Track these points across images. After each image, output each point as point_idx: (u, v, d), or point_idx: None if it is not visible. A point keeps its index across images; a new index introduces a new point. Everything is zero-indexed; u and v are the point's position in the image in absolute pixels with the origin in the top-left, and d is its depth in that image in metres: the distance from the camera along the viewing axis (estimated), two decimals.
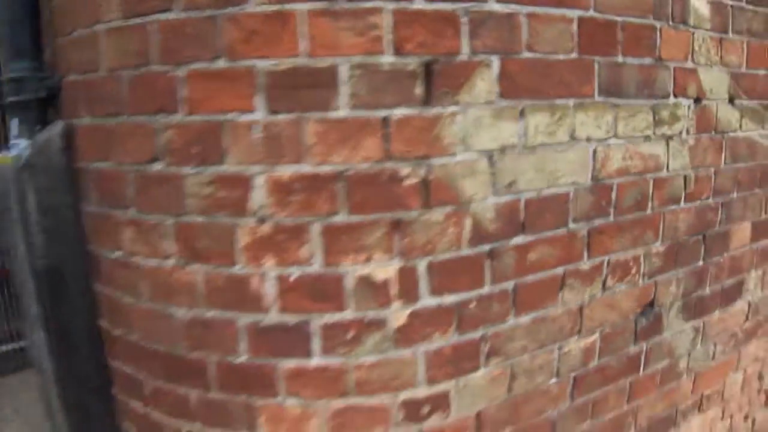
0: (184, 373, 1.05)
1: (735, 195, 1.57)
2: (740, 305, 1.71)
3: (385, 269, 0.96)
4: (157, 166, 0.97)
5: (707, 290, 1.56)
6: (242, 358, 1.00)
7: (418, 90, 0.94)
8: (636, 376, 1.43)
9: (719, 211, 1.50)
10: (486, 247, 1.06)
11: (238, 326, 0.99)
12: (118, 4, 0.94)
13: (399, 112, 0.93)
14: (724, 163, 1.50)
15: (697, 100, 1.40)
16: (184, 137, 0.93)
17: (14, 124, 1.19)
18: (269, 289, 0.95)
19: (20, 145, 1.15)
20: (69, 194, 1.15)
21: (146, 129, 0.97)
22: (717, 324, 1.63)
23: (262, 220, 0.93)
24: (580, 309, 1.25)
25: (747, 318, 1.76)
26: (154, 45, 0.93)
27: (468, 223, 1.02)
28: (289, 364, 0.99)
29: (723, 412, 1.84)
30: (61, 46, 1.12)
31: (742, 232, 1.63)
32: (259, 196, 0.92)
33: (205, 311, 0.99)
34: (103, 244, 1.11)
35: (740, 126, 1.54)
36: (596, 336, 1.30)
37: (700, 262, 1.51)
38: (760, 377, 1.96)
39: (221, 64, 0.89)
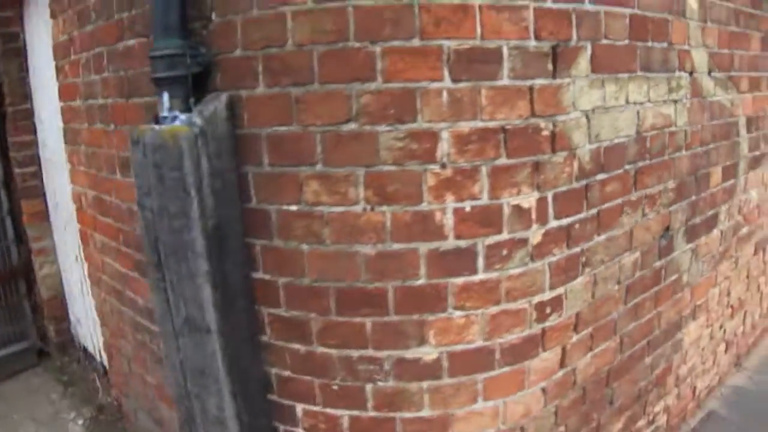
0: (362, 303, 1.42)
1: (712, 145, 2.20)
2: (716, 232, 2.38)
3: (528, 199, 1.41)
4: (351, 126, 1.32)
5: (698, 219, 2.19)
6: (421, 281, 1.39)
7: (549, 66, 1.40)
8: (660, 286, 2.02)
9: (704, 158, 2.13)
10: (584, 182, 1.54)
11: (420, 253, 1.38)
12: None
13: (539, 82, 1.38)
14: (706, 121, 2.12)
15: (691, 73, 1.99)
16: (380, 101, 1.30)
17: (165, 98, 1.45)
18: (448, 220, 1.36)
19: (181, 117, 1.42)
20: (233, 159, 1.45)
21: (340, 95, 1.32)
22: (704, 246, 2.27)
23: (444, 166, 1.33)
24: (631, 231, 1.79)
25: (720, 243, 2.43)
26: (352, 25, 1.28)
27: (576, 164, 1.50)
28: (459, 281, 1.40)
29: (706, 321, 2.51)
30: (225, 25, 1.40)
31: (717, 174, 2.29)
32: (444, 146, 1.32)
33: (392, 244, 1.37)
34: (278, 199, 1.43)
35: (714, 93, 2.17)
36: (638, 253, 1.84)
37: (694, 197, 2.13)
38: (728, 293, 2.66)
39: (416, 42, 1.28)
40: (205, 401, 1.50)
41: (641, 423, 2.23)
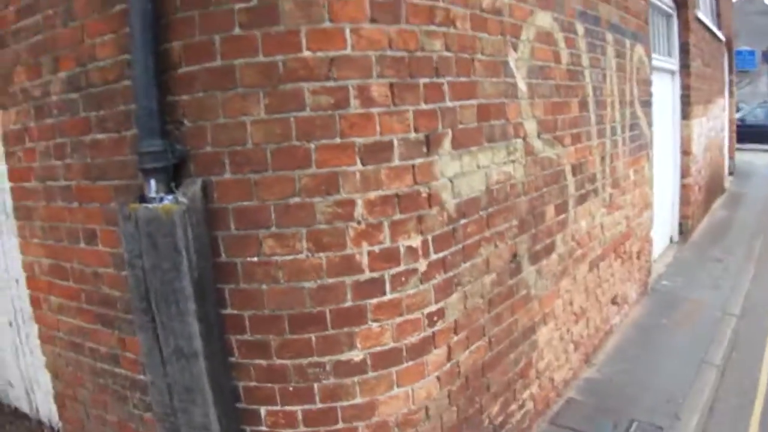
0: (309, 323, 2.29)
1: (545, 189, 3.35)
2: (555, 256, 3.53)
3: (416, 241, 2.38)
4: (296, 199, 2.21)
5: (539, 246, 3.32)
6: (348, 304, 2.29)
7: (424, 149, 2.39)
8: (514, 299, 3.09)
9: (539, 200, 3.26)
10: (452, 226, 2.55)
11: (347, 284, 2.28)
12: (263, 107, 2.15)
13: (418, 161, 2.36)
14: (538, 172, 3.26)
15: (524, 138, 3.12)
16: (315, 181, 2.21)
17: (152, 183, 2.23)
18: (364, 259, 2.27)
19: (167, 197, 2.21)
20: (207, 226, 2.25)
21: (288, 178, 2.21)
22: (545, 267, 3.40)
23: (360, 222, 2.26)
24: (488, 258, 2.84)
25: (559, 263, 3.58)
26: (294, 130, 2.17)
27: (445, 214, 2.51)
28: (374, 301, 2.32)
29: (556, 324, 3.63)
30: (196, 128, 2.24)
31: (551, 211, 3.45)
32: (359, 209, 2.25)
33: (327, 279, 2.25)
34: (242, 254, 2.26)
35: (543, 150, 3.33)
36: (494, 274, 2.89)
37: (534, 230, 3.26)
38: (571, 303, 3.82)
39: (337, 140, 2.20)
40: (191, 413, 2.24)
41: (513, 407, 3.25)
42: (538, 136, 3.34)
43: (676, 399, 4.00)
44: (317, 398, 2.36)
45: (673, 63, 7.72)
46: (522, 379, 3.34)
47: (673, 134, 7.79)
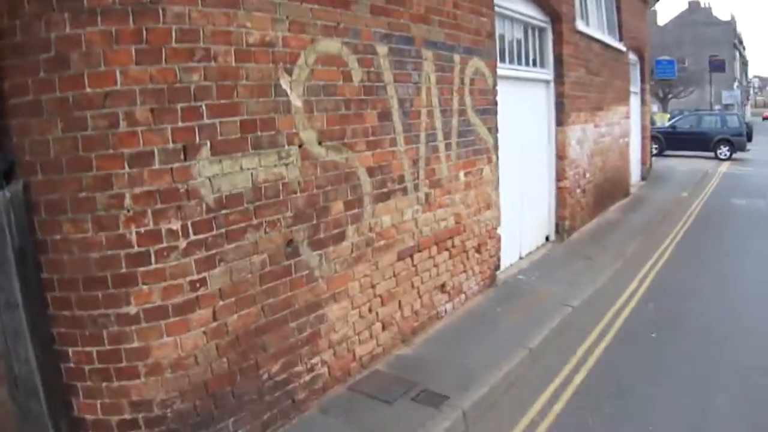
0: (96, 285, 3.81)
1: (330, 188, 4.78)
2: (346, 244, 4.98)
3: (176, 225, 3.80)
4: (83, 194, 3.61)
5: (322, 235, 4.75)
6: (124, 270, 3.70)
7: (182, 156, 3.77)
8: (292, 277, 4.60)
9: (321, 196, 4.70)
10: (212, 215, 3.98)
11: (122, 255, 3.68)
12: (60, 129, 3.52)
13: (176, 165, 3.75)
14: (319, 173, 4.66)
15: (301, 146, 4.52)
16: (96, 181, 3.59)
17: None
18: (134, 238, 3.65)
19: None
20: (26, 213, 3.65)
21: (77, 179, 3.63)
22: (333, 253, 4.89)
23: (129, 210, 3.63)
24: (257, 242, 4.25)
25: (352, 251, 5.00)
26: (80, 144, 3.53)
27: (204, 205, 3.89)
28: (143, 269, 3.78)
29: (352, 304, 5.03)
30: (19, 144, 3.57)
31: (338, 206, 4.94)
32: (128, 201, 3.62)
33: (107, 252, 3.64)
34: (50, 233, 3.69)
35: (327, 155, 4.76)
36: (266, 255, 4.31)
37: (315, 221, 4.66)
38: (372, 285, 5.23)
39: (110, 151, 3.55)
40: (18, 351, 3.68)
41: (300, 368, 4.70)
42: (319, 144, 4.79)
43: (475, 375, 5.50)
44: (106, 341, 3.85)
45: (547, 73, 9.47)
46: (309, 346, 4.79)
47: (548, 140, 9.40)
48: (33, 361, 3.83)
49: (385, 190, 5.67)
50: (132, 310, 3.84)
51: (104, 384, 3.92)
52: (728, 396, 5.54)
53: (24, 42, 3.80)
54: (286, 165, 4.68)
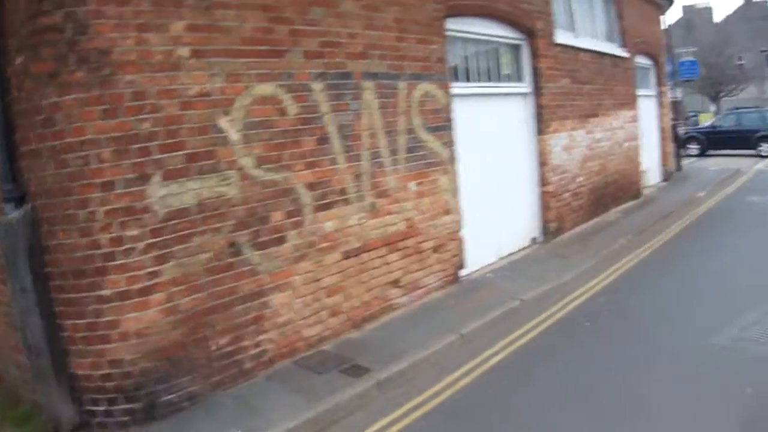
0: (82, 275, 5.66)
1: (270, 201, 6.75)
2: (287, 245, 6.94)
3: (133, 233, 5.72)
4: (70, 211, 5.58)
5: (265, 238, 6.68)
6: (98, 264, 5.63)
7: (140, 182, 5.72)
8: (235, 271, 6.59)
9: (263, 207, 6.69)
10: (163, 225, 5.97)
11: (95, 256, 5.60)
12: (53, 167, 5.52)
13: (138, 189, 5.69)
14: (259, 190, 6.59)
15: (240, 169, 6.45)
16: (78, 201, 5.56)
17: (10, 208, 5.65)
18: (104, 241, 5.59)
19: (14, 212, 5.63)
20: (33, 227, 5.68)
21: (66, 200, 5.59)
22: (274, 253, 6.82)
23: (100, 220, 5.59)
24: (201, 244, 6.25)
25: (294, 251, 6.90)
26: (66, 178, 5.54)
27: (157, 217, 5.89)
28: (110, 264, 5.67)
29: (296, 294, 6.92)
30: (27, 179, 5.64)
31: (278, 215, 6.87)
32: (100, 215, 5.58)
33: (87, 251, 5.59)
34: (49, 240, 5.82)
35: (265, 175, 6.72)
36: (211, 253, 6.28)
37: (257, 227, 6.57)
38: (316, 279, 7.10)
39: (85, 181, 5.55)
40: (30, 323, 5.69)
41: (247, 343, 6.61)
42: (258, 167, 6.62)
43: (402, 354, 7.16)
44: (89, 316, 5.71)
45: (524, 87, 11.04)
46: (255, 326, 6.64)
47: (529, 148, 10.93)
48: (41, 331, 5.85)
49: (326, 201, 7.43)
50: (107, 292, 5.77)
51: (89, 347, 5.88)
52: (625, 376, 6.41)
53: (27, 108, 5.86)
54: (228, 185, 6.51)
